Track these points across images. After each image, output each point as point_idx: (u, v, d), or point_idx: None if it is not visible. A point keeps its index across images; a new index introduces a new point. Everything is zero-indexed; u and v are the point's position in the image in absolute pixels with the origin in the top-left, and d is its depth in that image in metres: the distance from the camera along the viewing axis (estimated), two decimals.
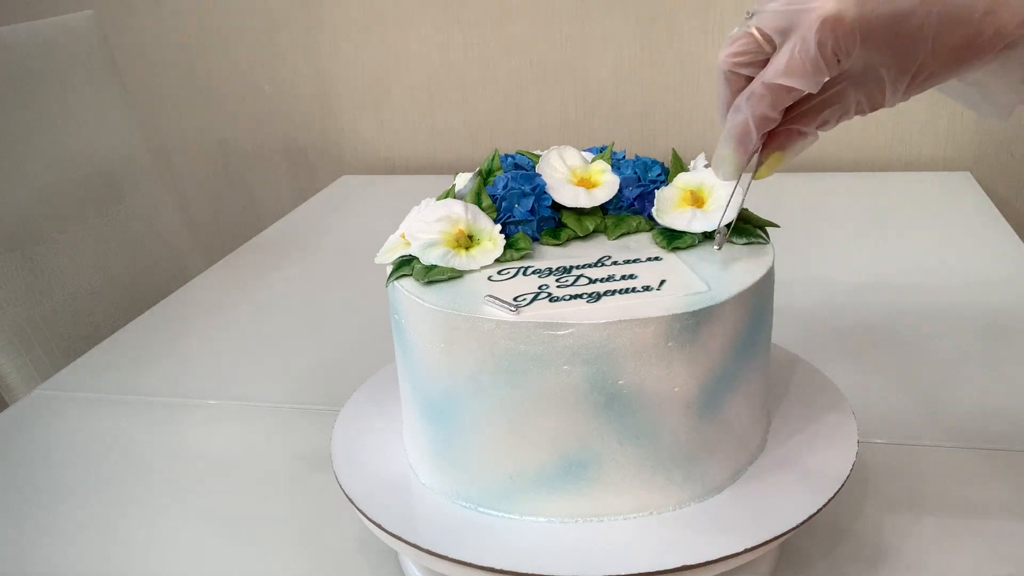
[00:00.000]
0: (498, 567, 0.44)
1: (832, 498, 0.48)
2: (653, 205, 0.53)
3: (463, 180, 0.55)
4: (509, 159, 0.56)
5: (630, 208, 0.55)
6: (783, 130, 0.46)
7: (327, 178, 1.54)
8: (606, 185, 0.54)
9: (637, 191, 0.54)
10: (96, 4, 1.49)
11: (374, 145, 1.52)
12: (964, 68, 0.43)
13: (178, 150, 1.61)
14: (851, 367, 0.74)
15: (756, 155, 0.47)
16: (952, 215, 1.10)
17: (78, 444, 0.72)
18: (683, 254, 0.50)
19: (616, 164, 0.56)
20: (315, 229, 1.22)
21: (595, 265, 0.50)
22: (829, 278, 0.93)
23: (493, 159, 0.55)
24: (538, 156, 0.55)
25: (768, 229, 0.53)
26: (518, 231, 0.52)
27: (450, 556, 0.45)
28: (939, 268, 0.94)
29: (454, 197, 0.53)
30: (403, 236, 0.52)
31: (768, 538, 0.45)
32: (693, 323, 0.44)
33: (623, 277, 0.48)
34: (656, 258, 0.50)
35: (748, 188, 0.50)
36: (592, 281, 0.48)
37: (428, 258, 0.49)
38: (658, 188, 0.54)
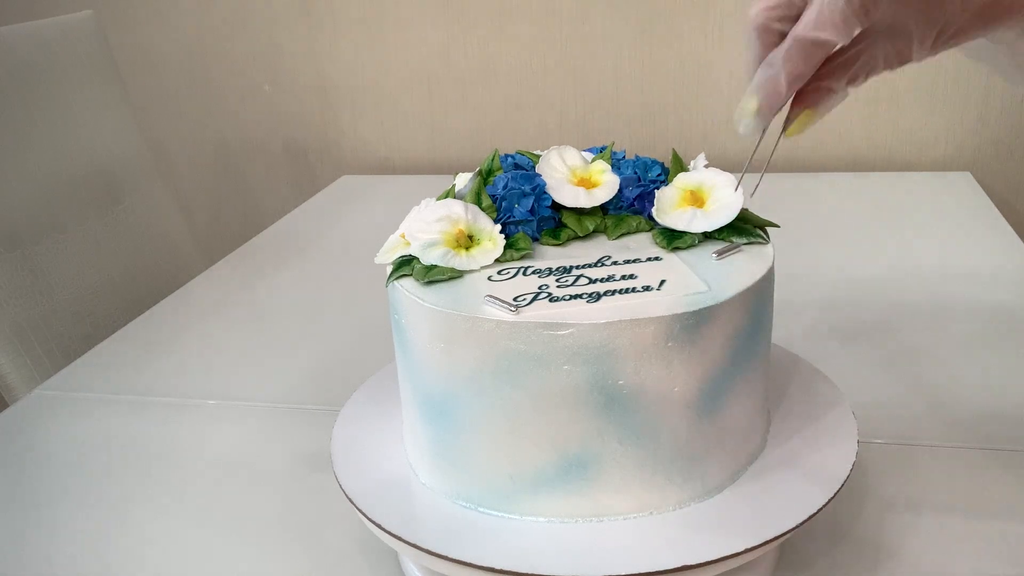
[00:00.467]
0: (498, 567, 0.44)
1: (832, 498, 0.48)
2: (653, 205, 0.53)
3: (463, 180, 0.55)
4: (509, 159, 0.56)
5: (630, 208, 0.55)
6: (813, 87, 0.46)
7: (327, 178, 1.54)
8: (606, 185, 0.54)
9: (637, 191, 0.54)
10: (96, 4, 1.49)
11: (374, 145, 1.52)
12: (992, 26, 0.43)
13: (178, 150, 1.61)
14: (851, 367, 0.74)
15: (779, 113, 0.47)
16: (952, 215, 1.10)
17: (78, 444, 0.72)
18: (683, 254, 0.50)
19: (616, 164, 0.56)
20: (315, 229, 1.22)
21: (595, 265, 0.50)
22: (829, 278, 0.93)
23: (493, 159, 0.55)
24: (538, 156, 0.55)
25: (768, 229, 0.53)
26: (518, 231, 0.52)
27: (450, 556, 0.45)
28: (939, 268, 0.94)
29: (454, 197, 0.53)
30: (403, 236, 0.52)
31: (768, 538, 0.45)
32: (693, 323, 0.44)
33: (623, 277, 0.48)
34: (656, 258, 0.50)
35: (777, 145, 0.50)
36: (592, 281, 0.48)
37: (428, 258, 0.49)
38: (658, 188, 0.54)
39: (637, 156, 0.57)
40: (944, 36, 0.44)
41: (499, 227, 0.51)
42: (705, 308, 0.45)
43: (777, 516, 0.46)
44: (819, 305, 0.86)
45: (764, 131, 0.47)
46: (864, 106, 1.32)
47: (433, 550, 0.45)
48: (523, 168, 0.55)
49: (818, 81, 0.46)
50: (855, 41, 0.44)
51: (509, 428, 0.46)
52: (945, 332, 0.80)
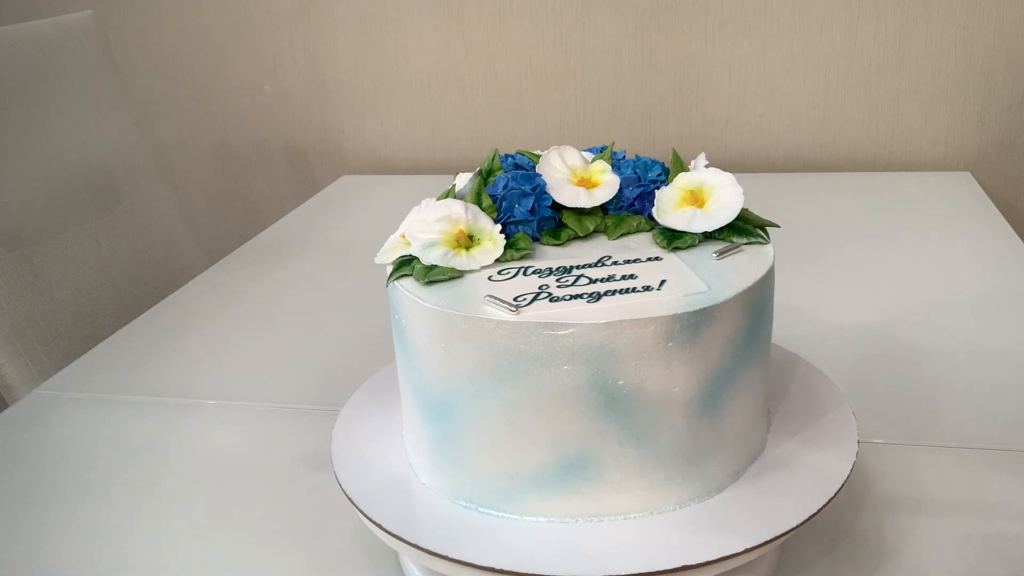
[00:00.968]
0: (498, 567, 0.44)
1: (832, 498, 0.48)
2: (653, 205, 0.53)
3: (463, 180, 0.55)
4: (509, 159, 0.56)
5: (630, 208, 0.55)
6: None
7: (327, 178, 1.54)
8: (606, 185, 0.54)
9: (637, 191, 0.54)
10: (96, 4, 1.50)
11: (374, 145, 1.53)
12: None
13: (178, 150, 1.61)
14: (851, 367, 0.74)
15: None
16: (952, 215, 1.10)
17: (78, 444, 0.72)
18: (683, 254, 0.50)
19: (616, 164, 0.56)
20: (315, 229, 1.22)
21: (595, 265, 0.50)
22: (829, 278, 0.93)
23: (493, 159, 0.55)
24: (538, 156, 0.55)
25: (768, 229, 0.53)
26: (518, 231, 0.52)
27: (450, 556, 0.45)
28: (939, 268, 0.94)
29: (454, 197, 0.53)
30: (403, 236, 0.52)
31: (768, 538, 0.45)
32: (693, 323, 0.44)
33: (623, 277, 0.48)
34: (656, 258, 0.50)
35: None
36: (592, 281, 0.48)
37: (428, 258, 0.49)
38: (658, 188, 0.54)
39: (637, 156, 0.57)
40: None
41: (499, 227, 0.51)
42: (705, 308, 0.45)
43: (777, 516, 0.46)
44: (819, 305, 0.86)
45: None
46: (864, 106, 1.32)
47: (433, 550, 0.45)
48: (523, 168, 0.55)
49: None
50: None
51: (509, 428, 0.46)
52: (945, 332, 0.80)
